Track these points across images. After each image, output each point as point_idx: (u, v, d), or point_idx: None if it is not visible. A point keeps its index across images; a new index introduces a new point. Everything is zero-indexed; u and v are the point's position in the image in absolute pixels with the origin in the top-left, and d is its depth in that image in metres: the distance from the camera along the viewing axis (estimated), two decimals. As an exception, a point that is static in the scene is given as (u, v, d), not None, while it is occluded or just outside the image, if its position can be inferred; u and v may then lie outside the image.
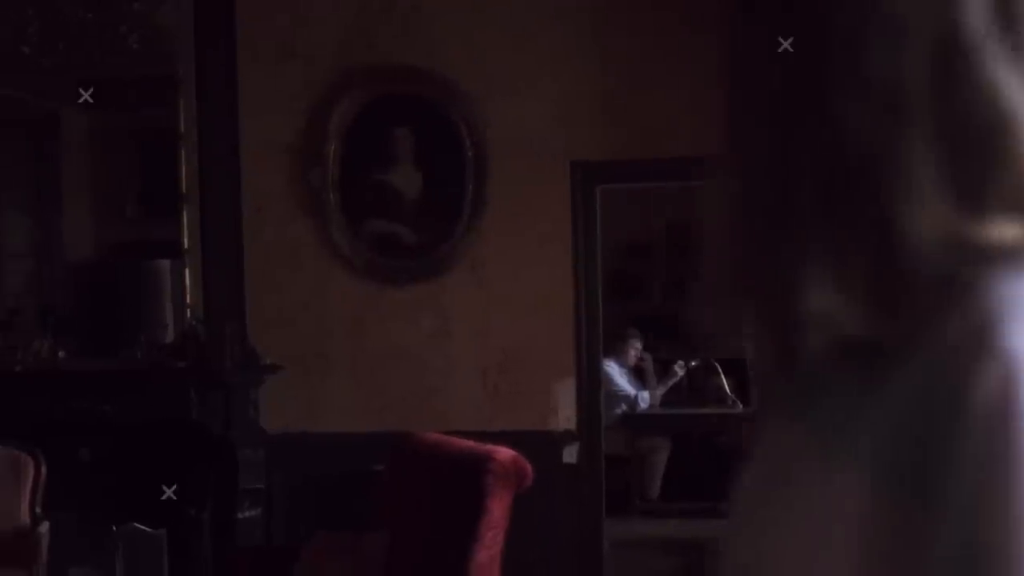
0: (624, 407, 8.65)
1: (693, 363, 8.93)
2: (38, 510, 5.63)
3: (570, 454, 5.85)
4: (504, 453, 4.25)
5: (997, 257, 0.90)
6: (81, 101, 6.23)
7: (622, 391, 8.66)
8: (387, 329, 6.01)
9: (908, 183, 0.88)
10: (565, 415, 5.89)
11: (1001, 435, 0.83)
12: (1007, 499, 0.81)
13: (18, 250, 6.44)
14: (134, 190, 6.51)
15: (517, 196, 5.92)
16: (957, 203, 0.89)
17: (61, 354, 6.21)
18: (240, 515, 5.90)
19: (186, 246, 6.14)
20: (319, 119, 6.03)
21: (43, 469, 5.65)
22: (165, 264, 6.36)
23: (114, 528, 5.86)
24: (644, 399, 8.81)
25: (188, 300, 6.19)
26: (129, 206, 6.53)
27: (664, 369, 9.04)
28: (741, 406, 8.67)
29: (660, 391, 8.97)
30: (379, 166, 6.04)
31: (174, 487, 6.00)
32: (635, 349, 8.99)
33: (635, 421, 8.68)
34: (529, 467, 4.27)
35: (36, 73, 6.31)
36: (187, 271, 6.17)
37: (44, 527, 5.48)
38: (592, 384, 5.99)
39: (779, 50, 0.88)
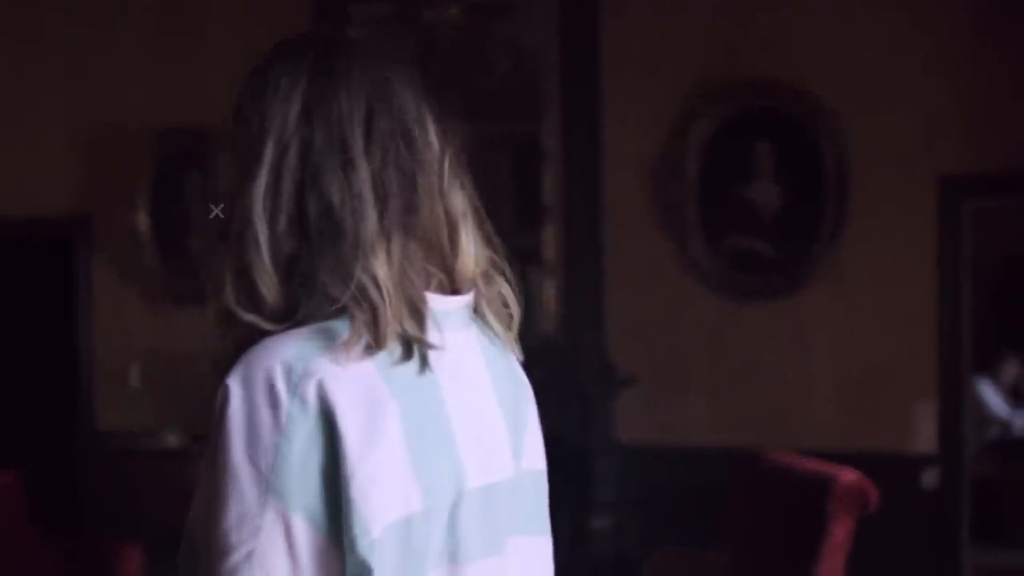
0: (997, 430, 8.25)
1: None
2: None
3: (930, 478, 5.64)
4: (848, 475, 4.16)
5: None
6: (455, 116, 6.48)
7: (995, 413, 8.27)
8: (744, 345, 5.98)
9: None
10: (925, 437, 5.69)
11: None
12: None
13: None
14: (504, 201, 6.71)
15: (879, 211, 5.77)
16: None
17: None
18: (593, 525, 6.00)
19: (548, 257, 6.30)
20: (680, 134, 6.06)
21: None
22: (533, 274, 6.53)
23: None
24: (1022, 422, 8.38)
25: (548, 310, 6.34)
26: (501, 216, 6.75)
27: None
28: None
29: (1041, 413, 8.51)
30: (739, 181, 6.01)
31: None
32: (1013, 369, 8.56)
33: (1010, 445, 8.26)
34: (874, 491, 4.16)
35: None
36: (548, 282, 6.32)
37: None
38: (956, 405, 5.75)
39: None
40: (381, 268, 1.24)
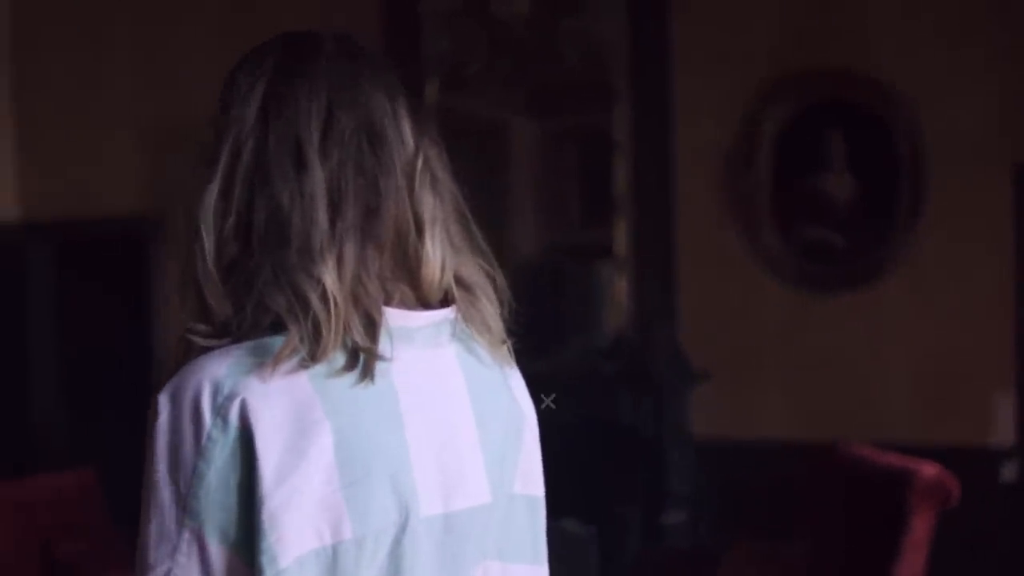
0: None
1: None
2: (476, 503, 5.92)
3: (1009, 472, 5.55)
4: (929, 469, 4.10)
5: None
6: (524, 110, 6.52)
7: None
8: (817, 337, 5.92)
9: None
10: (1004, 429, 5.61)
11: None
12: None
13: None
14: (575, 195, 6.70)
15: (954, 200, 5.69)
16: None
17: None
18: (667, 519, 5.98)
19: (620, 251, 6.28)
20: (751, 124, 6.02)
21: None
22: (605, 267, 6.52)
23: (546, 523, 6.07)
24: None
25: (621, 304, 6.32)
26: (571, 210, 6.72)
27: None
28: None
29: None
30: (811, 172, 5.96)
31: (604, 487, 6.16)
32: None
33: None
34: (956, 485, 4.10)
35: (483, 86, 6.63)
36: (620, 275, 6.30)
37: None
38: (1036, 397, 5.66)
39: None
40: (329, 276, 1.18)
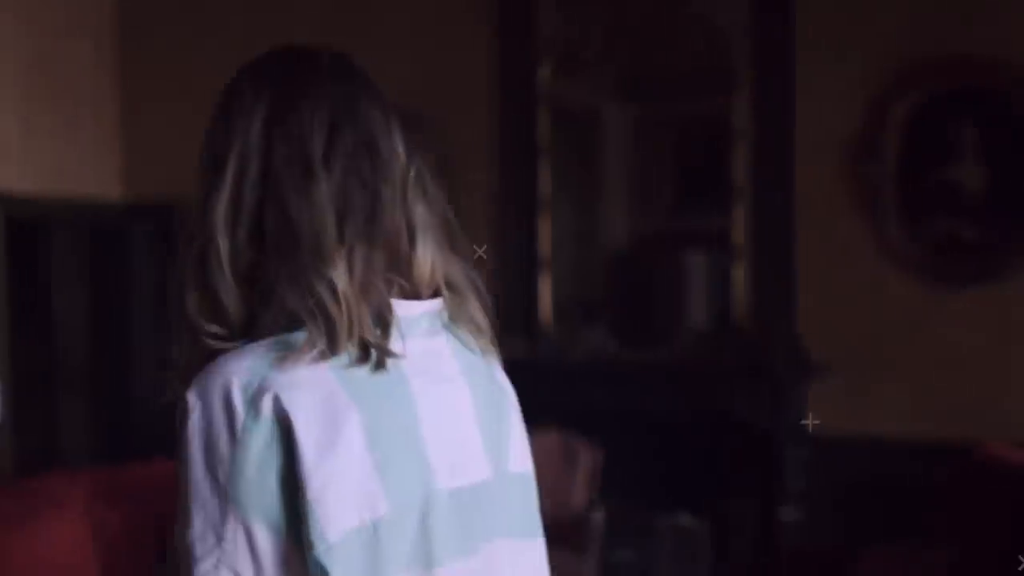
0: None
1: None
2: (592, 497, 5.81)
3: None
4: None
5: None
6: (639, 95, 6.40)
7: None
8: (945, 332, 5.74)
9: None
10: None
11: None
12: None
13: (562, 242, 6.66)
14: (671, 183, 6.57)
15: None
16: None
17: (609, 345, 6.37)
18: (783, 516, 5.83)
19: (737, 240, 6.13)
20: (877, 112, 5.84)
21: (598, 457, 5.82)
22: (699, 257, 6.38)
23: (658, 518, 5.95)
24: None
25: (735, 294, 6.17)
26: (666, 198, 6.59)
27: None
28: None
29: None
30: (940, 161, 5.77)
31: (718, 481, 6.02)
32: None
33: None
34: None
35: (587, 69, 6.52)
36: (737, 265, 6.15)
37: (597, 514, 5.64)
38: None
39: None
40: (340, 278, 1.27)
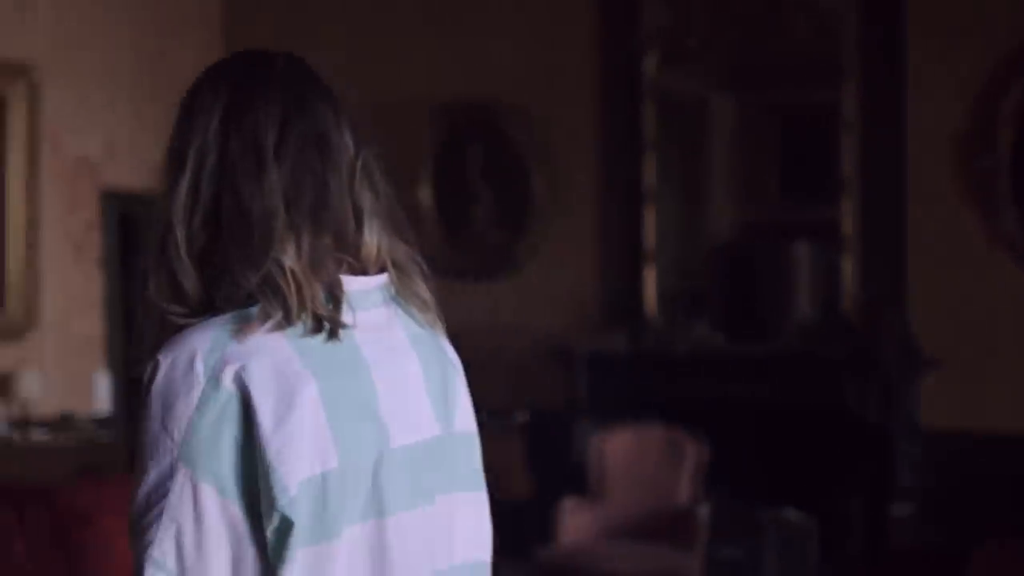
0: None
1: None
2: (697, 492, 5.76)
3: None
4: None
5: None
6: (744, 85, 6.34)
7: None
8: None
9: None
10: None
11: None
12: None
13: (667, 233, 6.61)
14: (776, 174, 6.49)
15: None
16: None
17: (715, 337, 6.31)
18: (894, 512, 5.73)
19: (846, 231, 6.04)
20: (991, 103, 5.72)
21: (704, 451, 5.77)
22: (806, 248, 6.30)
23: (764, 513, 5.89)
24: None
25: (844, 286, 6.09)
26: (772, 189, 6.51)
27: None
28: None
29: None
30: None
31: (826, 476, 5.94)
32: None
33: None
34: None
35: (692, 59, 6.47)
36: (846, 257, 6.07)
37: (703, 509, 5.60)
38: None
39: None
40: (289, 259, 1.39)
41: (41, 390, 6.41)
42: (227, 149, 1.44)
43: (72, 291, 6.82)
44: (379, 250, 1.49)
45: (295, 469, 1.35)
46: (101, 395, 6.87)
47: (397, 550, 1.44)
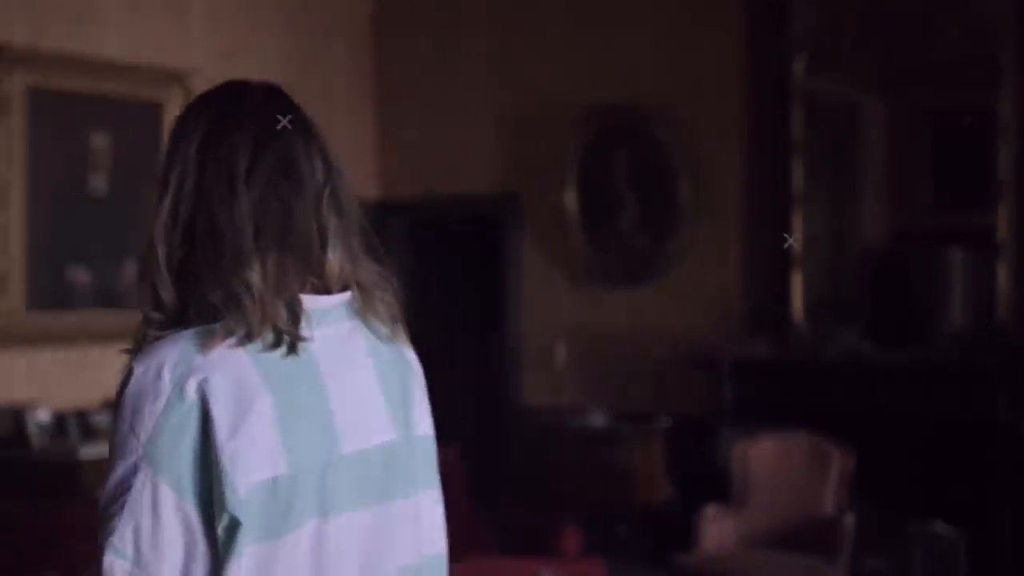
0: None
1: None
2: (843, 502, 5.66)
3: None
4: None
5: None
6: (894, 87, 6.21)
7: None
8: None
9: None
10: None
11: None
12: None
13: (814, 239, 6.50)
14: (928, 177, 6.34)
15: None
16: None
17: (863, 345, 6.18)
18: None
19: (1001, 237, 5.88)
20: None
21: (849, 460, 5.66)
22: (959, 255, 6.13)
23: (911, 524, 5.76)
24: None
25: (999, 294, 5.92)
26: (923, 194, 6.36)
27: None
28: None
29: None
30: None
31: (977, 488, 5.79)
32: None
33: None
34: None
35: (842, 62, 6.35)
36: (1001, 263, 5.90)
37: (848, 518, 5.49)
38: None
39: None
40: (255, 277, 1.53)
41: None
42: (203, 174, 1.58)
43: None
44: (342, 270, 1.63)
45: (245, 474, 1.49)
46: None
47: (337, 549, 1.57)
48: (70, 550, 4.66)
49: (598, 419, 6.70)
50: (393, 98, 7.81)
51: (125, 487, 1.51)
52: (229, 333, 1.52)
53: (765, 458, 5.85)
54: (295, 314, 1.55)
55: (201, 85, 6.68)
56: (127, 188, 6.23)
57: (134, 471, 1.50)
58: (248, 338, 1.52)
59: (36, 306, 5.92)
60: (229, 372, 1.51)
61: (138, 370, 1.53)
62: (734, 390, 6.32)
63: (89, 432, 5.58)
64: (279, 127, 1.63)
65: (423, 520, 1.71)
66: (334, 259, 1.62)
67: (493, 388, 7.52)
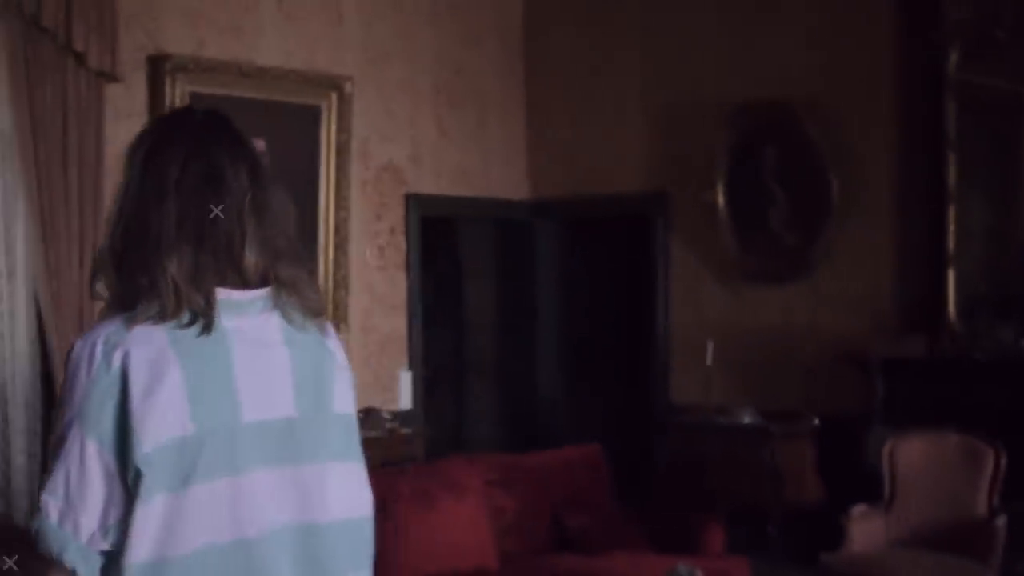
0: None
1: None
2: (995, 502, 5.55)
3: None
4: None
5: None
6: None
7: None
8: None
9: None
10: None
11: None
12: None
13: (974, 234, 6.36)
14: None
15: None
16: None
17: (1019, 344, 6.05)
18: None
19: None
20: None
21: (1003, 461, 5.56)
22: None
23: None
24: None
25: None
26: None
27: None
28: None
29: None
30: None
31: None
32: None
33: None
34: None
35: (999, 53, 6.22)
36: None
37: (1001, 519, 5.39)
38: None
39: None
40: (172, 267, 1.83)
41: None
42: (143, 181, 1.90)
43: (377, 292, 7.12)
44: (258, 266, 1.91)
45: (152, 433, 1.79)
46: (404, 392, 7.15)
47: (250, 501, 1.86)
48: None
49: (747, 417, 6.67)
50: (543, 98, 7.88)
51: (61, 440, 1.82)
52: (147, 312, 1.83)
53: (915, 457, 5.77)
54: (209, 301, 1.84)
55: (354, 90, 6.85)
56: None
57: (69, 427, 1.82)
58: (162, 317, 1.83)
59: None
60: (148, 347, 1.82)
61: (78, 345, 1.86)
62: (885, 389, 6.24)
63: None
64: (207, 144, 1.93)
65: (329, 486, 1.96)
66: (251, 257, 1.90)
67: (643, 386, 7.54)
